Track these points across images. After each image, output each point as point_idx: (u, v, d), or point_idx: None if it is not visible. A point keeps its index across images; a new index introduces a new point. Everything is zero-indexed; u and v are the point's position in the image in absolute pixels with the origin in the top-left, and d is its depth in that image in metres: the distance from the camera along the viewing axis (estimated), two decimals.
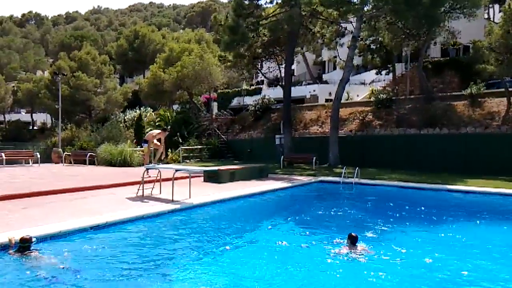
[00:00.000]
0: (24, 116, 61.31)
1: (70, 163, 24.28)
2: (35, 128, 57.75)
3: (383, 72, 31.60)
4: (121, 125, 30.40)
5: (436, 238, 8.15)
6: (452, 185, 14.45)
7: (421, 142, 20.64)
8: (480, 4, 21.79)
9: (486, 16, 37.91)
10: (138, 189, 11.64)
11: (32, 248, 6.37)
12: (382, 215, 10.42)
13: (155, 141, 12.48)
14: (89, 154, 23.26)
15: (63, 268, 5.90)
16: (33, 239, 6.45)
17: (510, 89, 19.53)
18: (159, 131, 13.12)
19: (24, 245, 6.28)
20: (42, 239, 6.99)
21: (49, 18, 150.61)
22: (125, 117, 36.29)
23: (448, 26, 22.87)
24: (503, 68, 18.47)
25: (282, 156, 22.32)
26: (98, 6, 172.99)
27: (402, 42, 24.75)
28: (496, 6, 39.92)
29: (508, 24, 18.04)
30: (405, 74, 29.65)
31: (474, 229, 9.16)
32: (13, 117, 59.63)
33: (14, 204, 10.21)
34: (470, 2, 19.82)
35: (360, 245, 6.66)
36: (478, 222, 9.77)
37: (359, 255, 6.42)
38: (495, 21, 34.32)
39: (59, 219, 8.34)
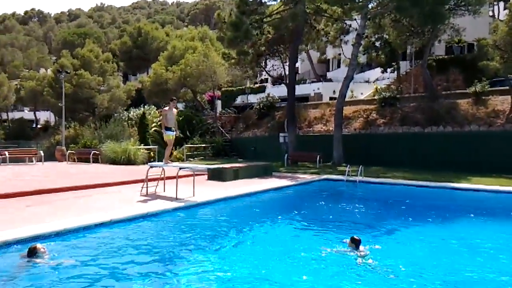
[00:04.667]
0: (27, 114, 61.44)
1: (74, 161, 24.35)
2: (38, 126, 57.88)
3: (388, 70, 31.47)
4: (124, 123, 30.38)
5: (440, 237, 8.10)
6: (456, 183, 14.38)
7: (425, 140, 20.55)
8: (485, 1, 21.67)
9: (491, 13, 37.68)
10: (142, 187, 11.64)
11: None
12: (386, 213, 10.41)
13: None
14: (93, 152, 23.32)
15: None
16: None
17: None
18: (165, 108, 12.39)
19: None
20: (47, 236, 7.00)
21: (52, 15, 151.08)
22: (129, 115, 36.31)
23: (453, 24, 22.74)
24: (508, 66, 18.34)
25: (286, 154, 22.29)
26: (101, 3, 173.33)
27: (406, 39, 24.62)
28: (501, 4, 39.67)
29: None
30: (410, 72, 29.54)
31: (479, 228, 9.10)
32: (16, 115, 59.76)
33: (19, 202, 10.24)
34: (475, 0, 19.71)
35: (362, 247, 6.54)
36: (483, 220, 9.73)
37: (362, 257, 6.34)
38: (500, 18, 34.12)
39: (63, 216, 8.35)
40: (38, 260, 5.98)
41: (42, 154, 23.67)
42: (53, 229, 7.33)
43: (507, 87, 19.65)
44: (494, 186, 13.70)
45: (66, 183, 13.07)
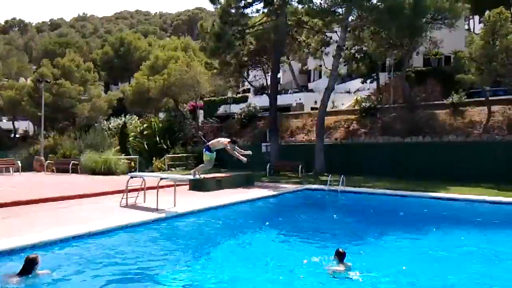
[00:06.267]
0: (5, 123, 60.03)
1: (53, 171, 23.92)
2: (17, 136, 56.63)
3: (368, 81, 31.98)
4: (105, 132, 30.04)
5: (421, 247, 8.21)
6: (435, 192, 14.62)
7: (405, 150, 20.87)
8: (461, 15, 22.28)
9: (466, 27, 38.79)
10: (122, 198, 11.50)
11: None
12: (367, 224, 10.50)
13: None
14: (72, 162, 22.95)
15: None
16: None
17: (490, 98, 19.96)
18: (227, 139, 11.65)
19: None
20: (22, 249, 6.83)
21: (33, 25, 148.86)
22: (110, 125, 35.93)
23: (430, 36, 23.32)
24: (484, 78, 18.87)
25: (269, 164, 22.34)
26: (84, 13, 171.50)
27: (385, 51, 25.10)
28: (476, 17, 40.93)
29: (488, 34, 18.49)
30: (389, 83, 30.04)
31: (457, 237, 9.26)
32: None
33: None
34: (451, 13, 20.27)
35: (346, 262, 6.43)
36: (461, 230, 9.91)
37: (346, 271, 6.26)
38: (475, 31, 35.16)
39: (40, 229, 8.17)
40: (40, 272, 5.75)
41: (20, 165, 23.19)
42: (28, 242, 7.17)
43: (483, 99, 20.19)
44: (472, 195, 13.95)
45: (44, 194, 12.82)
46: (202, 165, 11.91)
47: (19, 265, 5.81)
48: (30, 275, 5.65)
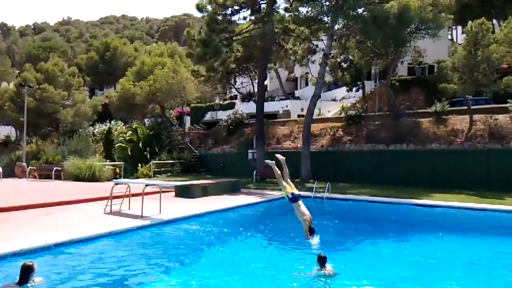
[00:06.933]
0: None
1: (35, 177, 23.49)
2: None
3: (353, 89, 32.32)
4: (90, 138, 29.67)
5: (403, 254, 8.27)
6: (418, 199, 14.78)
7: (389, 157, 21.12)
8: (444, 25, 22.76)
9: (449, 37, 39.61)
10: (106, 205, 11.34)
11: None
12: (351, 230, 10.55)
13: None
14: (55, 168, 22.58)
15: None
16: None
17: (472, 107, 20.35)
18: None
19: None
20: (2, 258, 6.67)
21: (17, 28, 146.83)
22: (94, 131, 35.54)
23: (415, 46, 23.75)
24: (466, 87, 19.25)
25: (255, 171, 22.32)
26: (68, 17, 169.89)
27: (371, 60, 25.45)
28: (459, 28, 41.82)
29: (471, 44, 18.90)
30: (374, 91, 30.45)
31: (440, 244, 9.37)
32: None
33: None
34: (435, 24, 20.70)
35: (329, 266, 6.45)
36: (443, 236, 10.02)
37: (328, 276, 6.27)
38: (458, 41, 35.93)
39: (21, 236, 7.99)
40: (37, 280, 5.58)
41: (1, 171, 22.70)
42: (9, 250, 7.01)
43: (465, 107, 20.58)
44: (455, 202, 14.15)
45: (25, 201, 12.56)
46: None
47: (8, 272, 5.71)
48: (28, 284, 5.53)
